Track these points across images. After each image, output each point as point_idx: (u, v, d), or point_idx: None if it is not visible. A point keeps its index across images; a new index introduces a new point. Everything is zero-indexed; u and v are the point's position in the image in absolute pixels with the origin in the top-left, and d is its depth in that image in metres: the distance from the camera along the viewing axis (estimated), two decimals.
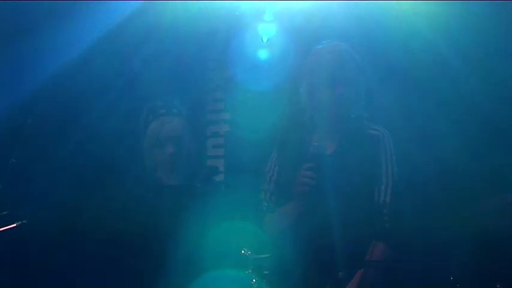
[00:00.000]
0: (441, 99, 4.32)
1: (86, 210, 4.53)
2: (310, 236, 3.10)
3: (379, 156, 3.13)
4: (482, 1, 4.21)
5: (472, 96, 4.23)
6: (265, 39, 4.85)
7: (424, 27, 4.32)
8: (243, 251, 2.76)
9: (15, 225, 3.43)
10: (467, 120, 4.25)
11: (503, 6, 4.22)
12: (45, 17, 5.05)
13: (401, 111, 4.30)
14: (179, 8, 4.94)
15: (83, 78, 5.06)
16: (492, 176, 4.07)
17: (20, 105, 4.70)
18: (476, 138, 4.21)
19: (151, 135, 3.53)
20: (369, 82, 3.29)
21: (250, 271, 2.89)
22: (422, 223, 3.51)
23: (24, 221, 3.43)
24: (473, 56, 4.25)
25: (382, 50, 4.40)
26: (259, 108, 4.76)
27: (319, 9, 4.61)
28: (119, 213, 3.55)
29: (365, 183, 3.09)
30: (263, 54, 4.84)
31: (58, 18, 5.02)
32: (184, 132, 3.54)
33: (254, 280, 2.82)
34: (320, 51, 3.24)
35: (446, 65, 4.30)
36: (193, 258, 3.32)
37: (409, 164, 3.29)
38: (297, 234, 3.08)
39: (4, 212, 3.43)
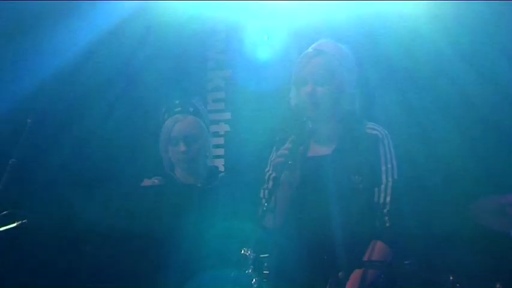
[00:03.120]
0: (441, 99, 4.32)
1: (87, 209, 4.54)
2: (310, 236, 3.11)
3: (379, 155, 3.13)
4: (482, 1, 4.20)
5: (473, 96, 4.23)
6: (265, 39, 4.86)
7: (425, 27, 4.32)
8: (243, 251, 2.76)
9: (15, 225, 3.43)
10: (468, 120, 4.25)
11: (504, 6, 4.22)
12: (45, 17, 5.05)
13: (401, 111, 4.30)
14: (179, 8, 4.95)
15: (83, 78, 5.06)
16: (492, 175, 4.07)
17: (20, 105, 4.70)
18: (477, 138, 4.21)
19: (164, 133, 3.55)
20: (364, 81, 3.29)
21: (250, 271, 2.89)
22: (422, 223, 3.51)
23: (24, 221, 3.43)
24: (474, 56, 4.25)
25: (382, 50, 4.40)
26: (259, 108, 4.76)
27: (319, 9, 4.61)
28: (119, 213, 3.55)
29: (364, 182, 3.09)
30: (263, 54, 4.84)
31: (58, 18, 5.03)
32: (198, 131, 3.54)
33: (254, 280, 2.82)
34: (306, 52, 3.26)
35: (446, 64, 4.30)
36: (193, 258, 3.32)
37: (409, 163, 3.29)
38: (293, 226, 3.10)
39: (4, 212, 3.42)
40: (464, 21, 4.25)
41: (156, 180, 3.59)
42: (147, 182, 3.61)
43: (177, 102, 3.61)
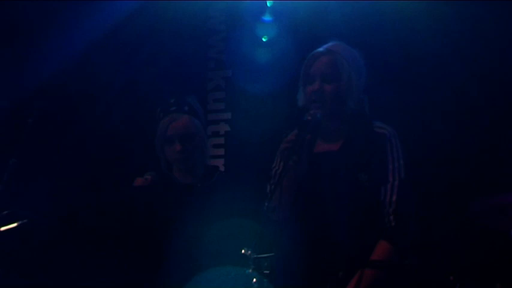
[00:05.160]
0: (444, 99, 4.32)
1: (87, 209, 4.54)
2: (314, 233, 3.10)
3: (386, 154, 3.11)
4: (482, 1, 4.21)
5: (476, 96, 4.23)
6: (265, 39, 4.86)
7: (425, 27, 4.32)
8: (243, 251, 2.76)
9: (15, 225, 3.43)
10: (469, 119, 4.25)
11: (503, 6, 4.22)
12: (45, 17, 5.05)
13: (401, 111, 4.30)
14: (179, 8, 4.95)
15: (83, 78, 5.07)
16: (493, 175, 4.07)
17: (20, 105, 4.71)
18: (478, 138, 4.21)
19: (160, 133, 3.53)
20: (368, 80, 3.29)
21: (250, 270, 2.89)
22: (425, 222, 3.51)
23: (24, 221, 3.43)
24: (474, 56, 4.25)
25: (382, 50, 4.40)
26: (260, 108, 4.77)
27: (319, 9, 4.61)
28: (118, 213, 3.55)
29: (371, 181, 3.08)
30: (263, 54, 4.84)
31: (58, 18, 5.03)
32: (193, 130, 3.53)
33: (254, 279, 2.82)
34: (315, 51, 3.26)
35: (448, 64, 4.30)
36: (193, 257, 3.32)
37: (415, 163, 3.28)
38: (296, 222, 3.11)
39: (4, 212, 3.42)
40: (465, 21, 4.25)
41: (148, 177, 3.57)
42: (138, 181, 3.59)
43: (172, 101, 3.60)
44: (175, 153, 3.50)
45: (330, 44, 3.26)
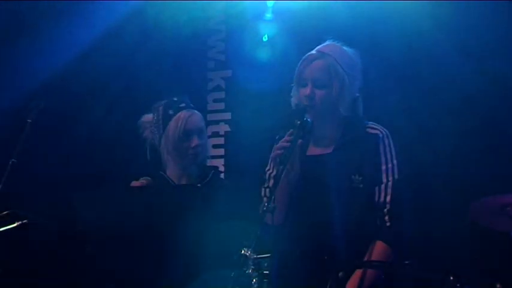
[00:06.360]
0: (443, 99, 4.32)
1: (87, 209, 4.53)
2: (310, 235, 3.11)
3: (379, 154, 3.12)
4: (483, 1, 4.21)
5: (475, 97, 4.23)
6: (265, 39, 4.86)
7: (426, 27, 4.32)
8: (243, 251, 2.76)
9: (15, 225, 3.43)
10: (469, 119, 4.25)
11: (504, 6, 4.22)
12: (45, 17, 5.06)
13: (402, 111, 4.30)
14: (179, 8, 4.95)
15: (82, 79, 5.07)
16: (493, 175, 4.07)
17: (20, 105, 4.70)
18: (478, 138, 4.21)
19: (175, 128, 3.48)
20: (365, 82, 3.28)
21: (250, 271, 2.90)
22: (422, 222, 3.51)
23: (24, 221, 3.43)
24: (475, 56, 4.25)
25: (383, 49, 4.40)
26: (259, 108, 4.76)
27: (319, 9, 4.61)
28: (119, 212, 3.55)
29: (365, 182, 3.09)
30: (263, 53, 4.84)
31: (58, 18, 5.03)
32: (205, 127, 3.55)
33: (254, 280, 2.83)
34: (309, 53, 3.25)
35: (449, 65, 4.30)
36: (193, 257, 3.32)
37: (410, 163, 3.28)
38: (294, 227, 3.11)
39: (4, 212, 3.42)
40: (467, 22, 4.25)
41: (144, 181, 3.55)
42: (135, 184, 3.58)
43: (175, 99, 3.59)
44: (191, 148, 3.47)
45: (325, 44, 3.24)
